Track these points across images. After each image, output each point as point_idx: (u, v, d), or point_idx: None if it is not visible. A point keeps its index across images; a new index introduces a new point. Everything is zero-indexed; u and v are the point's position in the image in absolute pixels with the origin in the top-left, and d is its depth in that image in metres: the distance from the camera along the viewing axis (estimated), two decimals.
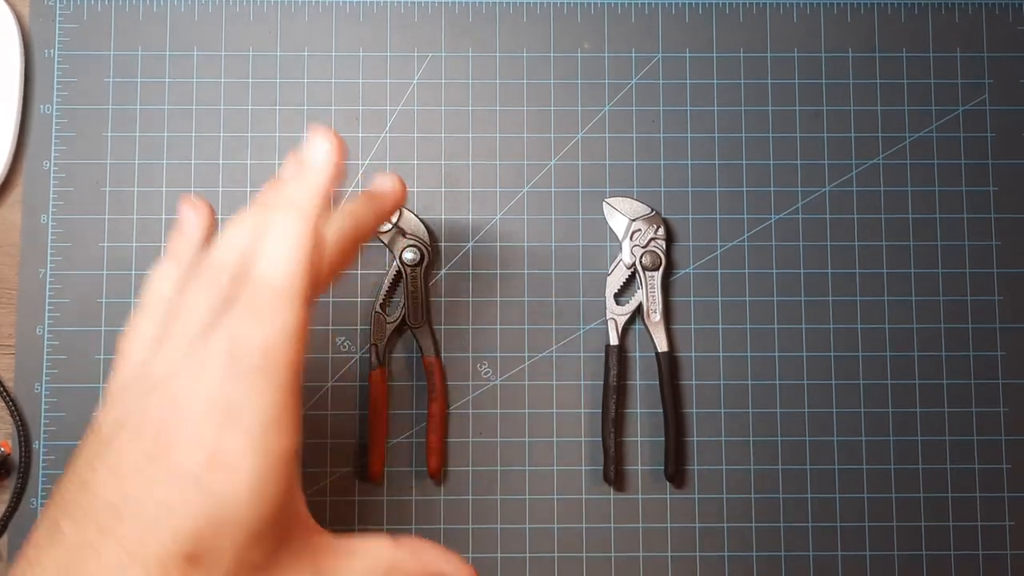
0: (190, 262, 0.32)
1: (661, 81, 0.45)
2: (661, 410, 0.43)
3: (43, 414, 0.43)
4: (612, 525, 0.43)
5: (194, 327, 0.29)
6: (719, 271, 0.44)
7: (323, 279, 0.32)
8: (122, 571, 0.27)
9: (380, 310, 0.43)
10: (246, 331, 0.29)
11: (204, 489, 0.27)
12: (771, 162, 0.45)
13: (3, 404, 0.43)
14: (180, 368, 0.29)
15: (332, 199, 0.31)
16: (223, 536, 0.27)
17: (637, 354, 0.44)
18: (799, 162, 0.45)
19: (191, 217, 0.35)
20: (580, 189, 0.45)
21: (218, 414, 0.28)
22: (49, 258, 0.44)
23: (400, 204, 0.36)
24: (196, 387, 0.29)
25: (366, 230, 0.34)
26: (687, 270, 0.44)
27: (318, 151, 0.31)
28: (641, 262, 0.44)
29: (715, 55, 0.46)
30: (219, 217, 0.44)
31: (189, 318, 0.30)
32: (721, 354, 0.44)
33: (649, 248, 0.44)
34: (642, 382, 0.44)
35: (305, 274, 0.30)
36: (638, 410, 0.43)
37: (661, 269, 0.43)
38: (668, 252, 0.44)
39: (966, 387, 0.44)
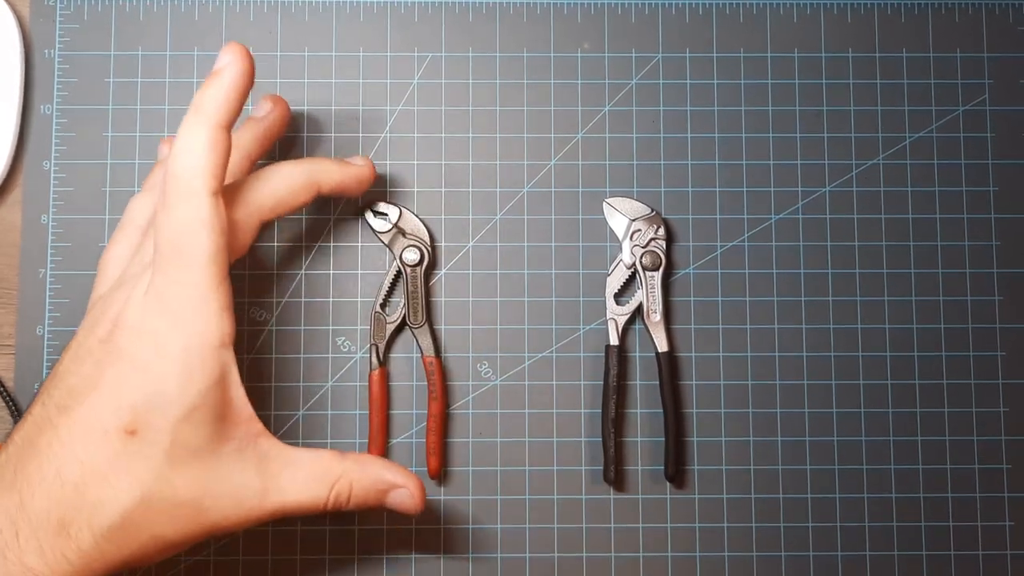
0: None
1: (661, 81, 0.45)
2: (661, 410, 0.43)
3: None
4: (612, 525, 0.43)
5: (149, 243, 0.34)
6: (719, 271, 0.44)
7: (237, 173, 0.37)
8: (68, 437, 0.31)
9: (380, 310, 0.43)
10: (159, 221, 0.33)
11: (141, 369, 0.31)
12: (771, 162, 0.45)
13: (3, 404, 0.43)
14: (130, 265, 0.35)
15: (242, 102, 0.35)
16: (156, 413, 0.31)
17: (637, 354, 0.44)
18: (799, 162, 0.45)
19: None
20: (580, 189, 0.45)
21: (150, 302, 0.32)
22: (49, 258, 0.44)
23: (285, 120, 0.42)
24: (138, 280, 0.33)
25: (272, 132, 0.41)
26: (687, 270, 0.44)
27: (221, 61, 0.35)
28: (641, 262, 0.44)
29: (715, 55, 0.46)
30: None
31: (144, 227, 0.36)
32: (721, 354, 0.44)
33: (649, 248, 0.44)
34: (642, 382, 0.44)
35: (207, 165, 0.33)
36: (638, 410, 0.43)
37: (661, 269, 0.44)
38: (668, 252, 0.44)
39: (966, 387, 0.44)
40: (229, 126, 0.34)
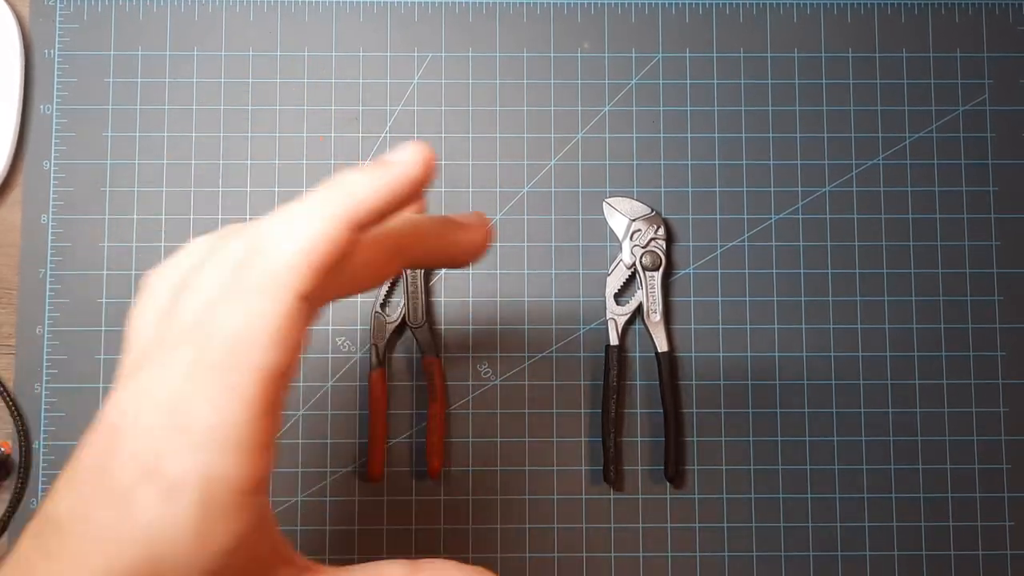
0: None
1: (661, 81, 0.45)
2: (661, 410, 0.43)
3: (43, 414, 0.43)
4: (612, 525, 0.43)
5: (194, 307, 0.24)
6: (719, 271, 0.44)
7: (352, 280, 0.26)
8: None
9: (380, 310, 0.43)
10: (221, 315, 0.23)
11: (142, 522, 0.22)
12: (771, 162, 0.45)
13: (3, 404, 0.43)
14: (155, 357, 0.24)
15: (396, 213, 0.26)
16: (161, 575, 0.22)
17: (637, 354, 0.44)
18: (799, 162, 0.45)
19: None
20: (580, 189, 0.45)
21: (168, 422, 0.22)
22: (49, 258, 0.44)
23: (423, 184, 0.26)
24: (158, 383, 0.23)
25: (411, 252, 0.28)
26: (687, 270, 0.44)
27: (402, 155, 0.25)
28: (641, 262, 0.44)
29: (715, 55, 0.46)
30: (218, 217, 0.44)
31: (194, 295, 0.24)
32: (721, 354, 0.44)
33: (649, 248, 0.44)
34: (642, 382, 0.44)
35: (312, 263, 0.23)
36: (638, 410, 0.43)
37: (661, 269, 0.44)
38: (668, 252, 0.44)
39: (966, 387, 0.44)
40: (364, 228, 0.24)
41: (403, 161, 0.25)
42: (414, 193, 0.25)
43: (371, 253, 0.26)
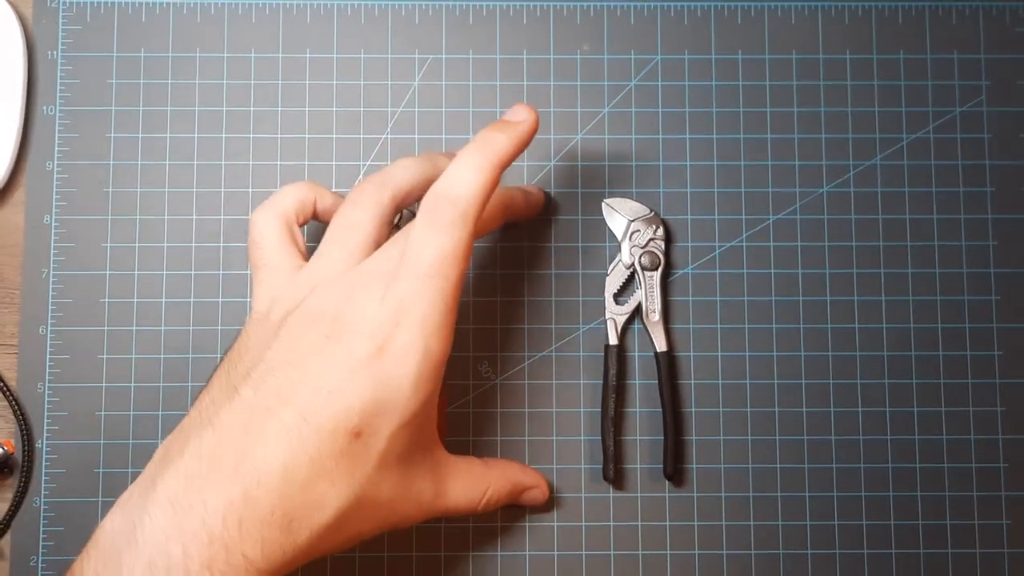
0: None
1: (660, 83, 0.46)
2: (660, 409, 0.43)
3: (46, 413, 0.43)
4: (611, 523, 0.43)
5: (351, 247, 0.35)
6: (718, 271, 0.45)
7: (482, 224, 0.36)
8: (298, 432, 0.30)
9: None
10: (421, 239, 0.33)
11: (374, 375, 0.31)
12: (769, 163, 0.45)
13: (6, 403, 0.43)
14: (357, 268, 0.34)
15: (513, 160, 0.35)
16: (382, 418, 0.31)
17: (636, 354, 0.44)
18: (797, 163, 0.45)
19: None
20: (579, 190, 0.45)
21: (390, 311, 0.32)
22: (52, 258, 0.44)
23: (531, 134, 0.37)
24: (372, 284, 0.33)
25: (516, 205, 0.41)
26: (686, 270, 0.45)
27: (517, 114, 0.36)
28: (640, 262, 0.44)
29: (713, 57, 0.46)
30: (220, 217, 0.44)
31: (347, 236, 0.36)
32: (720, 354, 0.44)
33: (648, 248, 0.44)
34: (641, 382, 0.44)
35: (481, 199, 0.33)
36: (637, 409, 0.44)
37: (660, 269, 0.44)
38: (667, 252, 0.44)
39: (963, 386, 0.44)
40: (502, 171, 0.35)
41: (523, 119, 0.36)
42: (528, 143, 0.36)
43: (492, 207, 0.38)
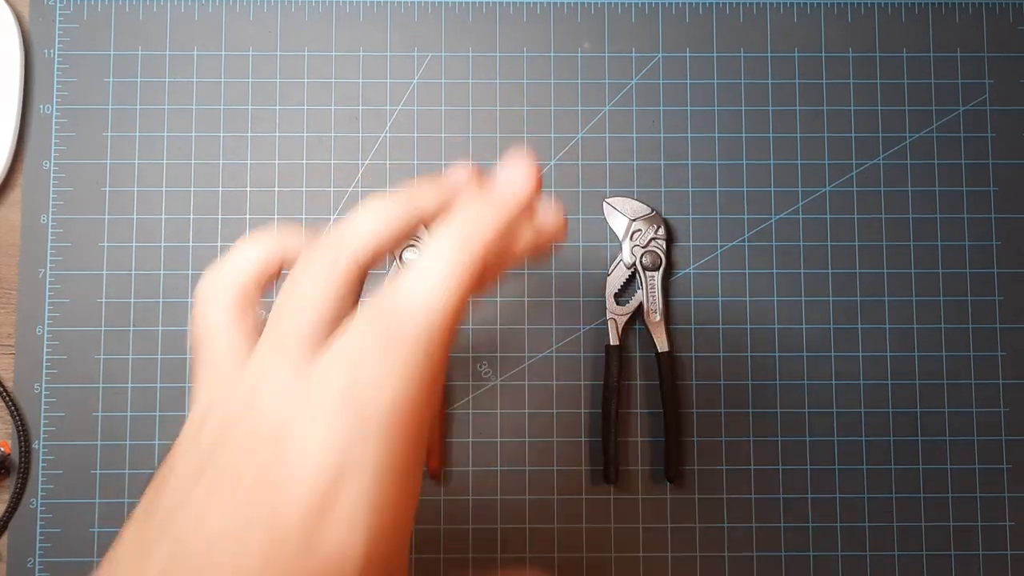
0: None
1: (661, 81, 0.45)
2: (661, 410, 0.43)
3: (43, 414, 0.43)
4: (612, 525, 0.43)
5: (303, 331, 0.26)
6: (719, 271, 0.44)
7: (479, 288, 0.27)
8: None
9: None
10: (371, 373, 0.24)
11: (309, 546, 0.24)
12: (771, 162, 0.45)
13: (3, 404, 0.43)
14: (289, 393, 0.25)
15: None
16: None
17: (637, 354, 0.44)
18: (799, 162, 0.45)
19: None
20: (580, 189, 0.45)
21: (332, 465, 0.24)
22: (49, 258, 0.44)
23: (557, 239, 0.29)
24: (308, 425, 0.24)
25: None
26: (687, 270, 0.44)
27: (515, 178, 0.27)
28: (641, 262, 0.43)
29: (715, 55, 0.46)
30: (218, 217, 0.44)
31: (298, 318, 0.26)
32: (721, 354, 0.44)
33: (649, 248, 0.44)
34: (642, 382, 0.44)
35: (453, 317, 0.25)
36: (638, 410, 0.43)
37: (661, 269, 0.43)
38: (668, 252, 0.44)
39: (966, 387, 0.44)
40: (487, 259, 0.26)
41: (514, 184, 0.27)
42: (522, 213, 0.27)
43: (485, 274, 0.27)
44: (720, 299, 0.44)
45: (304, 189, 0.44)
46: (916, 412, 0.44)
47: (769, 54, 0.46)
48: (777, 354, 0.44)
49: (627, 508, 0.43)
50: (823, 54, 0.46)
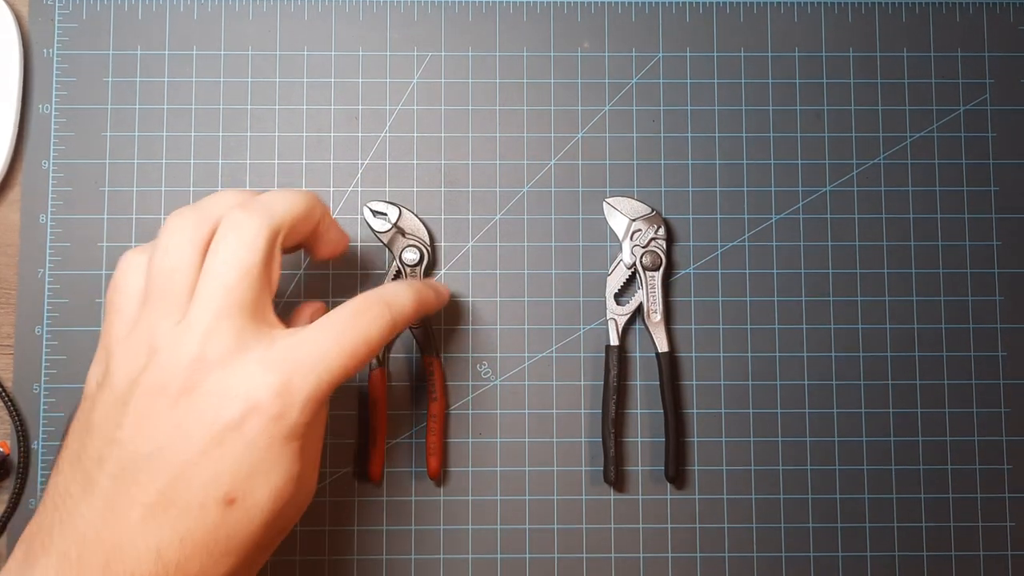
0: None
1: (661, 80, 0.45)
2: (661, 411, 0.43)
3: (42, 414, 0.43)
4: (612, 526, 0.43)
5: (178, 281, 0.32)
6: (720, 271, 0.44)
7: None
8: (164, 514, 0.29)
9: None
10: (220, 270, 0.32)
11: (241, 437, 0.30)
12: (772, 162, 0.45)
13: (2, 404, 0.43)
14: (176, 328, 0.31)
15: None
16: (258, 478, 0.30)
17: (637, 354, 0.44)
18: (800, 162, 0.45)
19: None
20: (580, 189, 0.45)
21: (236, 364, 0.30)
22: (48, 258, 0.43)
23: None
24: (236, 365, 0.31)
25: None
26: (688, 270, 0.44)
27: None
28: (641, 262, 0.43)
29: (716, 54, 0.46)
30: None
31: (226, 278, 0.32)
32: (722, 354, 0.44)
33: (649, 248, 0.44)
34: (642, 382, 0.44)
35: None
36: (638, 410, 0.43)
37: (661, 269, 0.43)
38: (668, 252, 0.44)
39: (967, 387, 0.44)
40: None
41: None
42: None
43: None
44: (720, 299, 0.44)
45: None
46: (916, 412, 0.44)
47: (769, 54, 0.46)
48: (777, 354, 0.44)
49: (627, 508, 0.43)
50: (823, 54, 0.46)
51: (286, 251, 0.35)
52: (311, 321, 0.34)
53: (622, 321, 0.43)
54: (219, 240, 0.32)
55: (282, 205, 0.34)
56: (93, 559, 0.28)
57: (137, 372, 0.31)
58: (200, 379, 0.30)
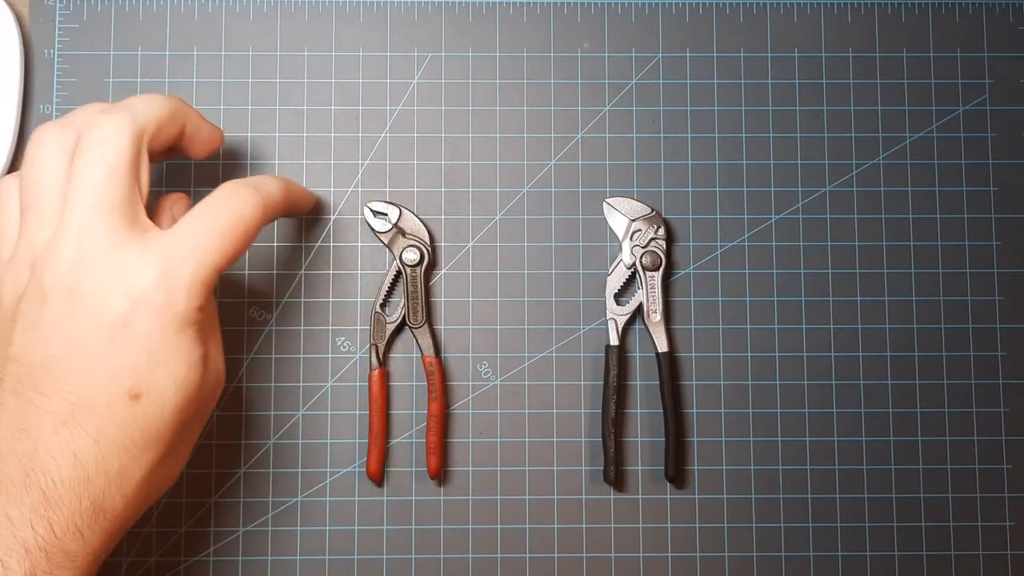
0: None
1: (661, 81, 0.45)
2: (661, 410, 0.43)
3: None
4: (612, 525, 0.43)
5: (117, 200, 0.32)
6: (719, 271, 0.44)
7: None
8: (73, 419, 0.30)
9: (380, 310, 0.43)
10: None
11: (132, 331, 0.30)
12: (771, 162, 0.45)
13: None
14: (57, 230, 0.31)
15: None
16: (160, 368, 0.30)
17: (637, 354, 0.44)
18: (799, 162, 0.45)
19: None
20: (580, 189, 0.45)
21: (112, 259, 0.31)
22: None
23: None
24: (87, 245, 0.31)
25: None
26: (687, 270, 0.44)
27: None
28: (641, 262, 0.43)
29: (715, 55, 0.46)
30: None
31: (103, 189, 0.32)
32: (721, 354, 0.44)
33: (649, 248, 0.44)
34: (642, 382, 0.44)
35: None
36: (638, 410, 0.43)
37: (661, 269, 0.43)
38: (668, 252, 0.44)
39: (966, 387, 0.44)
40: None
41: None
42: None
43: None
44: (720, 299, 0.44)
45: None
46: (916, 412, 0.44)
47: (769, 54, 0.46)
48: (777, 354, 0.44)
49: (627, 508, 0.43)
50: (823, 54, 0.46)
51: (160, 155, 0.36)
52: (172, 212, 0.36)
53: (622, 321, 0.43)
54: (83, 143, 0.32)
55: (144, 106, 0.34)
56: (12, 473, 0.29)
57: (23, 287, 0.31)
58: (79, 281, 0.30)
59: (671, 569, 0.42)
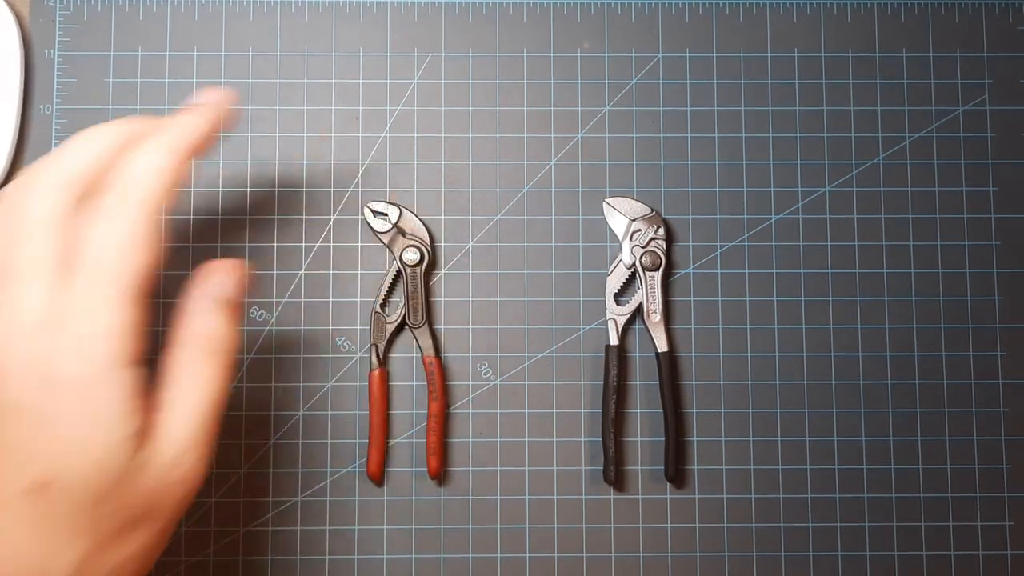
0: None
1: (661, 81, 0.45)
2: (661, 410, 0.43)
3: None
4: (612, 525, 0.43)
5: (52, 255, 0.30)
6: (719, 271, 0.44)
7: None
8: None
9: (380, 310, 0.43)
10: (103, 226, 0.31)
11: (42, 418, 0.27)
12: (771, 162, 0.45)
13: None
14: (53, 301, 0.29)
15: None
16: (70, 458, 0.27)
17: (637, 354, 0.44)
18: (799, 162, 0.45)
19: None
20: (580, 189, 0.45)
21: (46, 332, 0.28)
22: None
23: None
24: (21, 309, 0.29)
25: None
26: (687, 270, 0.44)
27: (205, 98, 0.35)
28: (641, 262, 0.44)
29: (715, 55, 0.46)
30: (218, 217, 0.44)
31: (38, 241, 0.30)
32: (721, 354, 0.44)
33: (649, 248, 0.44)
34: (642, 382, 0.44)
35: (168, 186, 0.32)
36: (638, 410, 0.43)
37: (661, 269, 0.43)
38: (668, 252, 0.44)
39: (966, 387, 0.44)
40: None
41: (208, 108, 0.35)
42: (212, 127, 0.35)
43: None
44: (720, 299, 0.44)
45: (304, 189, 0.44)
46: (916, 412, 0.44)
47: (769, 54, 0.46)
48: (777, 354, 0.44)
49: (627, 508, 0.43)
50: (823, 54, 0.46)
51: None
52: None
53: (622, 321, 0.43)
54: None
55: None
56: None
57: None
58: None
59: (671, 569, 0.42)
